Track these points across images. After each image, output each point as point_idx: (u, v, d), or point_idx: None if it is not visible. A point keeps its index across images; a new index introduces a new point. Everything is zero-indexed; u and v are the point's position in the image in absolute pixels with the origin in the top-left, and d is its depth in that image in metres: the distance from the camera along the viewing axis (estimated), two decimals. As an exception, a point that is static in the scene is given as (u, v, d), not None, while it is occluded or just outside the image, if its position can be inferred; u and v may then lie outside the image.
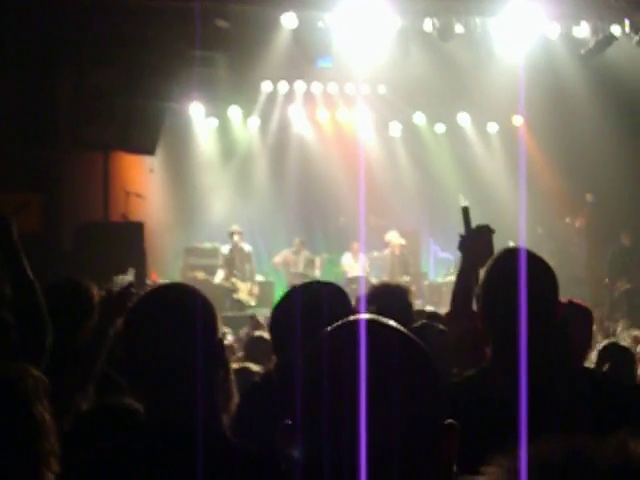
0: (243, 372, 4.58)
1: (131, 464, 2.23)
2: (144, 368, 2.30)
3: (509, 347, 2.65)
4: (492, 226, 3.42)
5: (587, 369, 3.30)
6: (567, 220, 16.00)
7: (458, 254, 3.53)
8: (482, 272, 3.08)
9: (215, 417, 2.33)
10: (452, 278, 14.69)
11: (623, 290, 14.56)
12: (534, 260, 2.88)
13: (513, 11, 12.94)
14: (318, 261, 15.57)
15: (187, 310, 2.30)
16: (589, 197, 15.84)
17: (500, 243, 3.38)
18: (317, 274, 15.45)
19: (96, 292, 4.30)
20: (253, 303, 14.78)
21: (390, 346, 1.88)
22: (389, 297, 3.93)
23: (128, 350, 2.36)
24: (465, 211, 3.43)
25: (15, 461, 2.49)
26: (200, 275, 14.49)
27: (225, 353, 2.46)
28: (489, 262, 2.98)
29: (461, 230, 3.44)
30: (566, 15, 13.64)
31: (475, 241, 3.33)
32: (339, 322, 1.84)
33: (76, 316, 4.11)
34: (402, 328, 1.92)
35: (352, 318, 1.93)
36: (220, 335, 2.42)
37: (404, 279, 13.81)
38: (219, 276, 14.59)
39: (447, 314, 3.69)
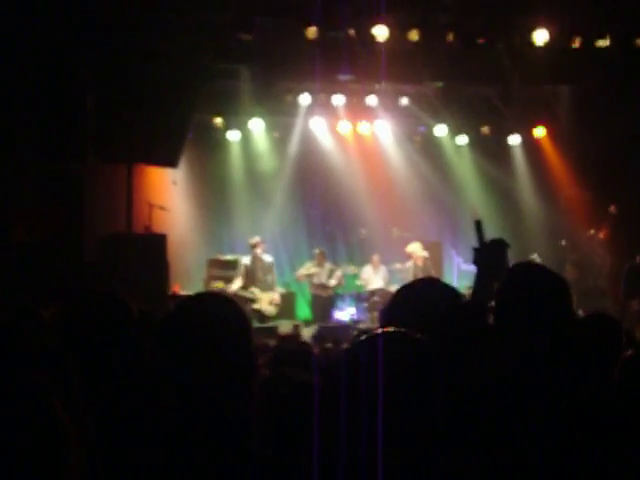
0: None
1: None
2: (180, 375, 2.31)
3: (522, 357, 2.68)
4: (507, 240, 3.43)
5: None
6: (591, 232, 15.92)
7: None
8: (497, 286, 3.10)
9: (246, 428, 2.33)
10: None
11: (635, 310, 14.43)
12: (547, 274, 2.92)
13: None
14: (340, 274, 15.55)
15: (221, 320, 2.31)
16: (613, 209, 15.75)
17: (524, 255, 3.39)
18: (341, 285, 15.44)
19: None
20: (274, 313, 14.76)
21: (404, 361, 1.89)
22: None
23: (163, 358, 2.36)
24: (478, 225, 3.42)
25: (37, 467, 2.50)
26: (218, 285, 14.49)
27: (258, 363, 2.46)
28: (503, 276, 3.01)
29: (475, 244, 3.44)
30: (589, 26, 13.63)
31: (489, 255, 3.33)
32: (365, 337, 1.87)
33: (118, 328, 4.11)
34: (418, 340, 1.93)
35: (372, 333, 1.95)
36: (253, 345, 2.42)
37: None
38: (236, 284, 14.56)
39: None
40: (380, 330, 2.15)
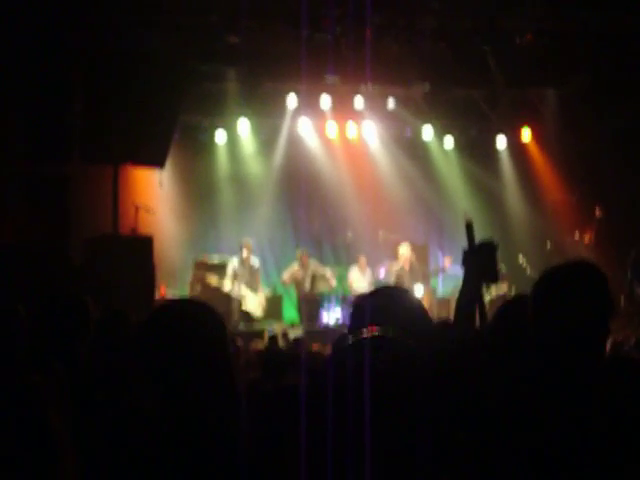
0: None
1: None
2: (157, 379, 2.31)
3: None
4: (496, 241, 3.44)
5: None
6: (576, 235, 15.95)
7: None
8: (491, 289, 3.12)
9: (232, 429, 2.32)
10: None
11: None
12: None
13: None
14: (329, 272, 15.55)
15: (198, 325, 2.31)
16: (598, 212, 15.79)
17: (510, 258, 3.40)
18: (332, 286, 15.42)
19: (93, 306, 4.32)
20: (261, 315, 14.77)
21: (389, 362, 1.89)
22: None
23: (142, 362, 2.36)
24: (469, 227, 3.42)
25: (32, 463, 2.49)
26: (213, 280, 14.47)
27: (235, 368, 2.46)
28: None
29: (465, 246, 3.44)
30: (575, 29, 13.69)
31: (479, 257, 3.33)
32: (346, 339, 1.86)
33: (75, 329, 4.13)
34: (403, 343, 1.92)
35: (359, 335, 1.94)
36: (231, 349, 2.42)
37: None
38: (229, 287, 14.60)
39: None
40: (366, 333, 2.15)
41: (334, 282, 15.48)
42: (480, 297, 3.26)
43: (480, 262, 3.30)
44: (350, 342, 2.07)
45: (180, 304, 2.63)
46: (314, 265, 15.62)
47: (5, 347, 3.63)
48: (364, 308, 2.99)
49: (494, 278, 3.31)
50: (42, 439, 2.58)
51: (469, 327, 3.20)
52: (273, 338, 11.35)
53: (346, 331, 2.84)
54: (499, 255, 3.36)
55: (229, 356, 2.40)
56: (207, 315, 2.40)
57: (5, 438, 2.57)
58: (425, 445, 1.93)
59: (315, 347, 9.37)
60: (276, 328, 13.73)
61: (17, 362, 3.57)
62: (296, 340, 10.33)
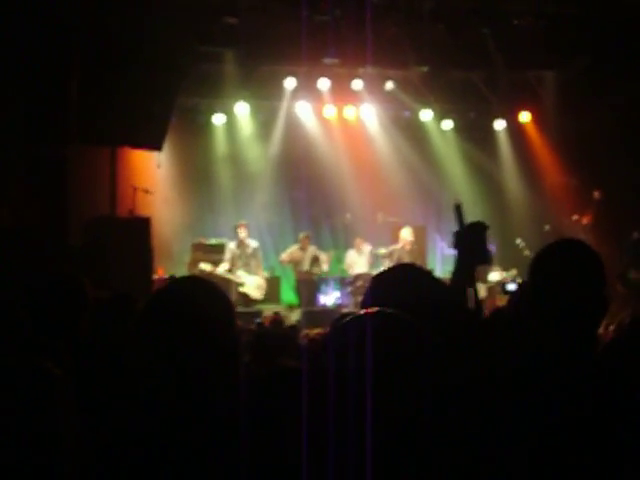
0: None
1: None
2: (162, 360, 2.30)
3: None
4: (486, 222, 3.44)
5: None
6: (574, 217, 15.94)
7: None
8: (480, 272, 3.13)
9: (231, 410, 2.32)
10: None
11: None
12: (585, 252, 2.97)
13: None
14: (325, 257, 15.56)
15: (204, 302, 2.30)
16: (597, 194, 15.78)
17: (508, 240, 3.41)
18: (324, 270, 15.46)
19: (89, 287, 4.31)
20: (260, 297, 14.78)
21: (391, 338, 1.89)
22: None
23: (146, 342, 2.35)
24: (458, 209, 3.42)
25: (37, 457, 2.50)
26: (206, 267, 14.47)
27: (240, 348, 2.45)
28: (541, 253, 3.04)
29: (454, 228, 3.44)
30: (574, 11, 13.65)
31: (469, 238, 3.33)
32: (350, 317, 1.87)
33: (73, 311, 4.13)
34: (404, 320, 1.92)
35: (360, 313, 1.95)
36: (236, 330, 2.41)
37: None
38: (223, 267, 14.59)
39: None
40: (365, 310, 2.14)
41: (327, 267, 15.49)
42: (472, 278, 3.26)
43: (470, 243, 3.30)
44: (348, 319, 2.07)
45: (186, 282, 2.61)
46: (314, 249, 15.63)
47: (11, 332, 3.64)
48: (378, 287, 2.97)
49: (485, 259, 3.32)
50: (51, 431, 2.58)
51: (462, 307, 3.20)
52: (260, 324, 11.37)
53: (344, 311, 2.83)
54: (496, 238, 3.37)
55: (235, 334, 2.39)
56: (214, 294, 2.39)
57: (16, 428, 2.56)
58: (426, 419, 1.93)
59: (316, 332, 9.32)
60: (272, 309, 13.73)
61: (24, 347, 3.57)
62: (292, 327, 10.32)
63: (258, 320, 12.25)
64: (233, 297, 14.29)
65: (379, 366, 1.89)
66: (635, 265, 14.61)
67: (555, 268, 2.98)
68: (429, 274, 3.19)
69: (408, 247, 15.19)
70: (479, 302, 3.25)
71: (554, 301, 2.89)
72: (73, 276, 4.32)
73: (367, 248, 15.59)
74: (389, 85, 16.02)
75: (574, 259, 3.00)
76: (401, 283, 2.91)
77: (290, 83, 15.71)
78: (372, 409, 1.83)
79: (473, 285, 3.23)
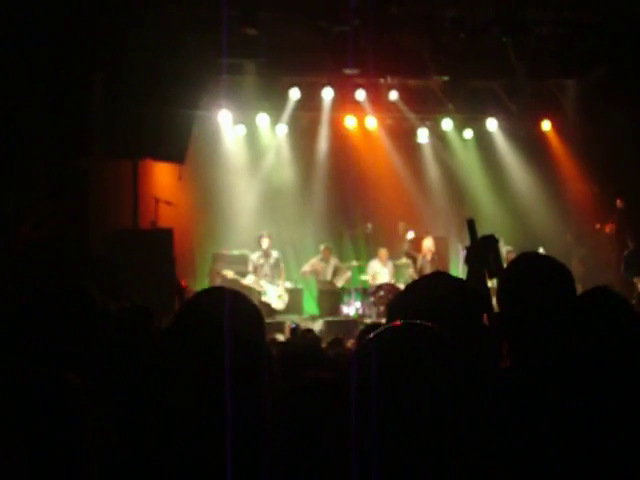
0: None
1: None
2: (192, 368, 2.31)
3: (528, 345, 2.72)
4: (496, 235, 3.44)
5: None
6: (597, 226, 15.89)
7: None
8: (492, 281, 3.14)
9: (259, 423, 2.32)
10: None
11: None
12: (547, 262, 2.97)
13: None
14: (346, 274, 15.57)
15: (235, 313, 2.30)
16: (619, 203, 15.71)
17: (531, 250, 3.41)
18: (340, 285, 15.46)
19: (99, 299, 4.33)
20: (282, 308, 14.79)
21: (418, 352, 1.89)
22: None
23: (175, 352, 2.36)
24: (470, 224, 3.43)
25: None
26: (229, 274, 14.49)
27: (269, 357, 2.46)
28: (507, 266, 3.05)
29: (467, 243, 3.45)
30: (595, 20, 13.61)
31: (479, 252, 3.34)
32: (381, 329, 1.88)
33: (83, 323, 4.14)
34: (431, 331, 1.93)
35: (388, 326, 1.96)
36: (266, 339, 2.41)
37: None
38: (249, 280, 14.64)
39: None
40: (391, 324, 2.14)
41: (343, 283, 15.50)
42: (486, 292, 3.27)
43: (481, 257, 3.31)
44: (374, 334, 2.07)
45: (216, 293, 2.61)
46: (335, 260, 15.64)
47: (31, 343, 3.65)
48: (408, 297, 2.97)
49: (497, 272, 3.32)
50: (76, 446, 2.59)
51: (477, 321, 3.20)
52: (295, 331, 11.33)
53: (366, 321, 2.81)
54: (518, 248, 3.37)
55: (264, 345, 2.39)
56: (244, 304, 2.40)
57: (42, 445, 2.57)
58: (451, 432, 1.92)
59: (349, 344, 9.26)
60: (295, 320, 13.73)
61: (45, 358, 3.59)
62: (307, 332, 10.30)
63: (293, 327, 12.24)
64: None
65: (404, 381, 1.88)
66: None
67: (520, 280, 2.99)
68: (458, 281, 3.18)
69: (429, 257, 15.17)
70: (492, 313, 3.25)
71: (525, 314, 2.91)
72: (83, 288, 4.32)
73: (390, 263, 15.58)
74: (409, 95, 15.99)
75: (536, 272, 3.01)
76: (430, 291, 2.91)
77: (311, 93, 15.70)
78: (395, 424, 1.83)
79: (487, 297, 3.24)
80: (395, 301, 3.02)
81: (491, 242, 3.37)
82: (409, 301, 2.88)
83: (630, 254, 14.77)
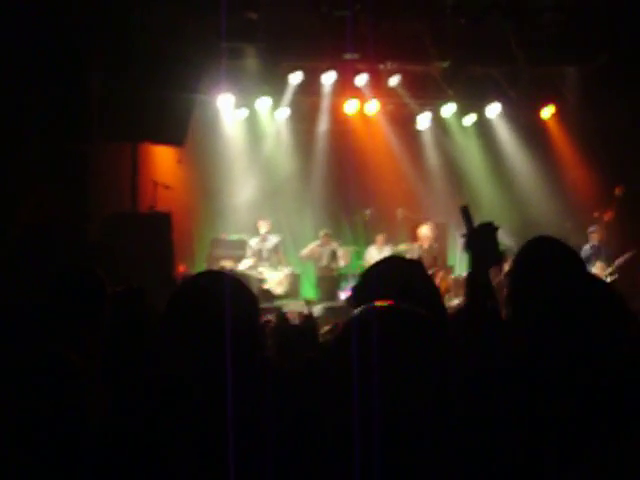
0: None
1: None
2: (184, 351, 2.31)
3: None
4: (495, 222, 3.43)
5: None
6: (596, 214, 15.85)
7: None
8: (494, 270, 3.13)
9: (255, 404, 2.33)
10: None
11: None
12: (559, 246, 2.97)
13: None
14: (342, 252, 15.55)
15: (228, 296, 2.30)
16: (618, 190, 15.68)
17: (530, 237, 3.39)
18: (340, 265, 15.45)
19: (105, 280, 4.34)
20: (282, 293, 14.79)
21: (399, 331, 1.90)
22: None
23: (170, 333, 2.36)
24: (465, 211, 3.40)
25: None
26: (228, 264, 14.49)
27: (264, 339, 2.46)
28: (495, 259, 3.04)
29: (463, 231, 3.42)
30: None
31: (478, 239, 3.32)
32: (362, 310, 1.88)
33: (92, 304, 4.16)
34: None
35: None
36: (261, 322, 2.41)
37: (431, 272, 13.73)
38: (245, 264, 14.62)
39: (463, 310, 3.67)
40: (373, 304, 2.14)
41: (343, 262, 15.48)
42: (487, 280, 3.25)
43: (480, 245, 3.29)
44: (357, 313, 2.06)
45: (211, 275, 2.61)
46: (334, 245, 15.63)
47: (34, 324, 3.66)
48: (370, 280, 2.97)
49: (497, 260, 3.30)
50: (77, 420, 2.59)
51: (481, 309, 3.20)
52: (283, 316, 11.29)
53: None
54: (518, 235, 3.36)
55: (258, 328, 2.40)
56: (238, 288, 2.40)
57: (35, 414, 2.58)
58: (438, 412, 1.92)
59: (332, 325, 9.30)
60: (293, 307, 13.71)
61: (47, 338, 3.60)
62: (306, 316, 10.27)
63: (282, 313, 12.21)
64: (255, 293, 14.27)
65: (387, 360, 1.88)
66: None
67: (532, 265, 2.99)
68: (418, 264, 3.18)
69: (427, 244, 15.14)
70: (496, 302, 3.24)
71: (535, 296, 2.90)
72: (92, 270, 4.35)
73: (387, 248, 15.54)
74: (409, 80, 15.95)
75: (549, 254, 3.01)
76: (389, 275, 2.91)
77: (311, 78, 15.66)
78: (381, 404, 1.83)
79: (489, 286, 3.22)
80: (355, 286, 3.02)
81: (490, 230, 3.35)
82: (368, 285, 2.88)
83: None
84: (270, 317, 11.78)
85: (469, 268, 3.30)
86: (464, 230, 3.37)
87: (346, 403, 1.88)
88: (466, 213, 3.38)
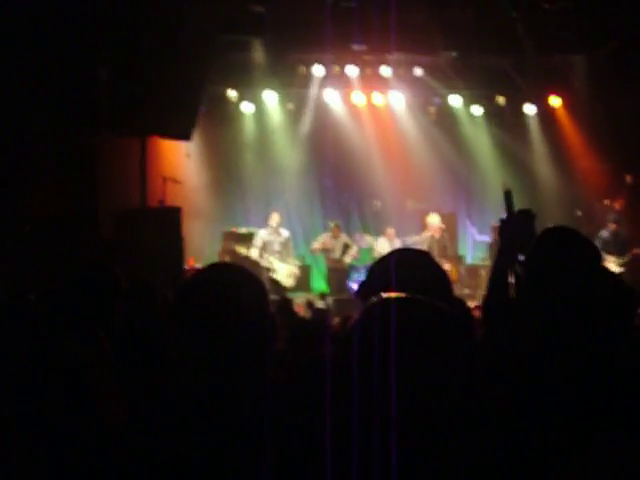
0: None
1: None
2: (194, 345, 2.30)
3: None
4: (533, 210, 3.39)
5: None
6: (606, 202, 15.81)
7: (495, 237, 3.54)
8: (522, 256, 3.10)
9: (262, 397, 2.32)
10: (489, 262, 14.63)
11: None
12: (577, 238, 2.96)
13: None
14: (354, 250, 15.52)
15: (238, 288, 2.30)
16: (629, 178, 15.64)
17: (540, 226, 3.37)
18: (348, 262, 15.41)
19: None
20: (291, 285, 14.76)
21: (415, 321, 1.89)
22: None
23: (179, 327, 2.35)
24: (507, 195, 3.36)
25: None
26: (242, 250, 14.46)
27: (275, 332, 2.46)
28: (536, 240, 3.03)
29: (502, 215, 3.39)
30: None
31: (516, 226, 3.29)
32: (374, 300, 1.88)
33: (109, 299, 4.18)
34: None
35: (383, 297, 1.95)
36: (270, 313, 2.41)
37: (442, 263, 13.71)
38: (252, 253, 14.59)
39: (483, 299, 3.65)
40: (389, 295, 2.13)
41: (351, 259, 15.45)
42: (513, 265, 3.23)
43: (517, 231, 3.27)
44: (375, 302, 2.05)
45: (221, 268, 2.61)
46: (345, 237, 15.60)
47: (46, 319, 3.68)
48: (379, 271, 2.96)
49: (527, 247, 3.27)
50: (83, 406, 2.60)
51: (503, 295, 3.18)
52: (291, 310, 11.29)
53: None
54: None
55: (268, 320, 2.39)
56: (248, 280, 2.39)
57: (46, 408, 2.58)
58: (455, 411, 1.92)
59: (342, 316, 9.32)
60: (298, 299, 13.70)
61: (59, 333, 3.61)
62: (318, 310, 10.29)
63: (289, 307, 12.20)
64: (265, 284, 14.24)
65: (405, 351, 1.88)
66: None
67: (550, 256, 2.98)
68: (427, 255, 3.16)
69: (437, 234, 15.09)
70: (520, 288, 3.23)
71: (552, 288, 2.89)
72: (107, 266, 4.37)
73: (398, 241, 15.49)
74: (418, 71, 15.93)
75: (568, 246, 2.99)
76: (400, 266, 2.89)
77: (318, 70, 15.66)
78: (398, 395, 1.82)
79: (513, 271, 3.21)
80: (364, 280, 3.00)
81: (528, 217, 3.33)
82: (377, 278, 2.87)
83: None
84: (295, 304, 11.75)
85: (498, 252, 3.28)
86: (503, 215, 3.34)
87: (365, 396, 1.87)
88: (508, 198, 3.35)
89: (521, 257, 3.20)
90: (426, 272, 2.89)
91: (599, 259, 3.01)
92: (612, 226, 14.84)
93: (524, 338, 2.90)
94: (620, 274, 13.81)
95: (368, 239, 15.76)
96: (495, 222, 14.92)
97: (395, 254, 3.12)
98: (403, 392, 1.85)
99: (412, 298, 2.06)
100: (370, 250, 15.75)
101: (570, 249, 2.99)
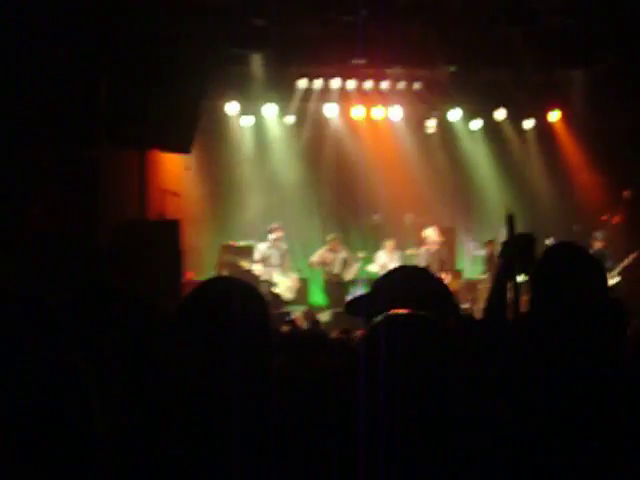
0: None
1: None
2: (197, 359, 2.31)
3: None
4: (535, 234, 3.47)
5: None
6: (604, 217, 15.83)
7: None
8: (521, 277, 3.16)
9: (264, 409, 2.33)
10: (486, 276, 14.63)
11: None
12: (582, 254, 3.02)
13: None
14: (354, 267, 15.49)
15: (240, 302, 2.31)
16: (626, 194, 15.67)
17: (538, 241, 3.43)
18: (348, 279, 15.40)
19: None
20: (291, 298, 14.76)
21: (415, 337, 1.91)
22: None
23: (179, 340, 2.36)
24: (510, 219, 3.45)
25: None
26: (244, 263, 14.46)
27: (275, 345, 2.46)
28: (541, 256, 3.09)
29: (502, 231, 3.47)
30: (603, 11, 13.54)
31: (516, 249, 3.35)
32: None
33: (109, 313, 4.18)
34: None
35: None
36: (272, 327, 2.42)
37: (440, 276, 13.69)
38: (255, 267, 14.59)
39: (482, 320, 3.68)
40: (393, 312, 2.15)
41: (351, 276, 15.44)
42: (515, 285, 3.28)
43: (517, 254, 3.33)
44: (381, 319, 2.07)
45: (222, 282, 2.62)
46: (344, 251, 15.59)
47: (43, 330, 3.68)
48: (382, 288, 2.98)
49: (526, 270, 3.34)
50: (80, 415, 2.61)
51: (501, 315, 3.22)
52: (292, 322, 11.34)
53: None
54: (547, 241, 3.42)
55: (270, 333, 2.40)
56: (249, 294, 2.40)
57: (42, 417, 2.59)
58: (456, 416, 1.93)
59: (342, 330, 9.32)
60: (297, 312, 13.72)
61: (56, 344, 3.61)
62: (317, 322, 10.29)
63: (288, 319, 12.22)
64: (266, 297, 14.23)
65: (408, 367, 1.89)
66: None
67: (556, 271, 3.03)
68: (426, 271, 3.21)
69: (434, 248, 15.09)
70: (518, 308, 3.26)
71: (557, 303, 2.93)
72: (106, 278, 4.37)
73: (397, 254, 15.48)
74: (417, 85, 15.98)
75: (573, 262, 3.05)
76: (402, 284, 2.92)
77: (318, 84, 15.71)
78: (401, 410, 1.84)
79: (515, 292, 3.25)
80: (365, 296, 3.03)
81: (529, 240, 3.40)
82: (379, 295, 2.89)
83: None
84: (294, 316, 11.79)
85: (497, 274, 3.33)
86: (506, 237, 3.42)
87: (371, 405, 1.89)
88: (510, 222, 3.43)
89: (520, 278, 3.27)
90: (429, 288, 2.92)
91: (603, 274, 3.05)
92: (598, 244, 14.84)
93: (529, 347, 2.93)
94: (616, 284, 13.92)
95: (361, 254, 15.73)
96: (491, 237, 14.99)
97: (397, 271, 3.16)
98: (407, 405, 1.87)
99: (416, 315, 2.08)
100: (369, 263, 15.71)
101: (576, 265, 3.04)
